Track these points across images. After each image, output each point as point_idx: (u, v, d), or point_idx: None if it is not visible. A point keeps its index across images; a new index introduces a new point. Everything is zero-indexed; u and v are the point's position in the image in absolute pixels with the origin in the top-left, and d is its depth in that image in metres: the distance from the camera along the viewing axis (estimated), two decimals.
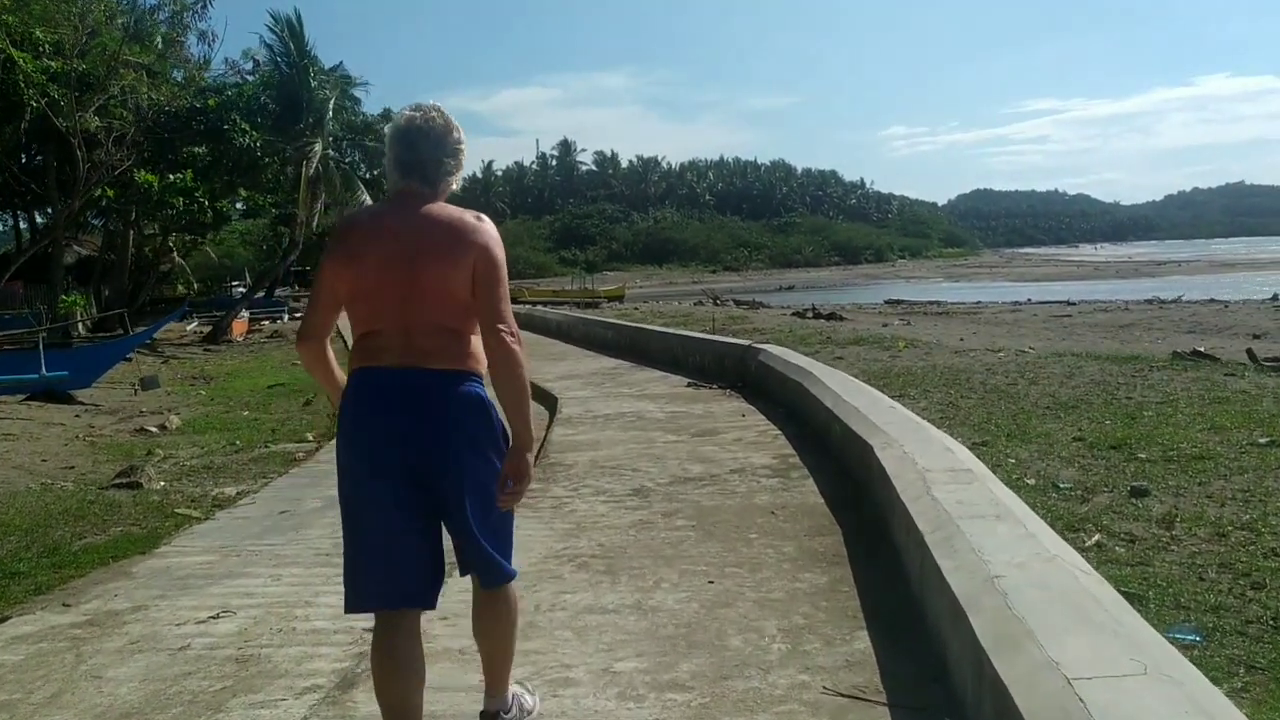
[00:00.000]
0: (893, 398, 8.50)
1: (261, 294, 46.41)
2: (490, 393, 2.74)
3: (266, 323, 37.99)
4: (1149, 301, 33.68)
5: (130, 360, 21.15)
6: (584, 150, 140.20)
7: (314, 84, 33.48)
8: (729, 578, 4.32)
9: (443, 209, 2.74)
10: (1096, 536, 4.78)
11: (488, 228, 2.73)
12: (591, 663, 3.49)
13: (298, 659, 3.85)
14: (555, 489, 6.25)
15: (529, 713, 3.02)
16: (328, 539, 5.75)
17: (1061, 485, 5.79)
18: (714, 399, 9.98)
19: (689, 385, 10.97)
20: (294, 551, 5.58)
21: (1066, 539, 3.95)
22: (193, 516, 6.73)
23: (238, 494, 7.62)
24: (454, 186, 2.85)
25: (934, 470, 4.46)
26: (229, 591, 4.80)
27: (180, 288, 50.96)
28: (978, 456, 5.51)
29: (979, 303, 38.11)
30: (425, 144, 2.77)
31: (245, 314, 34.28)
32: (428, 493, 2.67)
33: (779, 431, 7.85)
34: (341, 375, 2.89)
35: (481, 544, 2.70)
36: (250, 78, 33.08)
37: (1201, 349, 14.80)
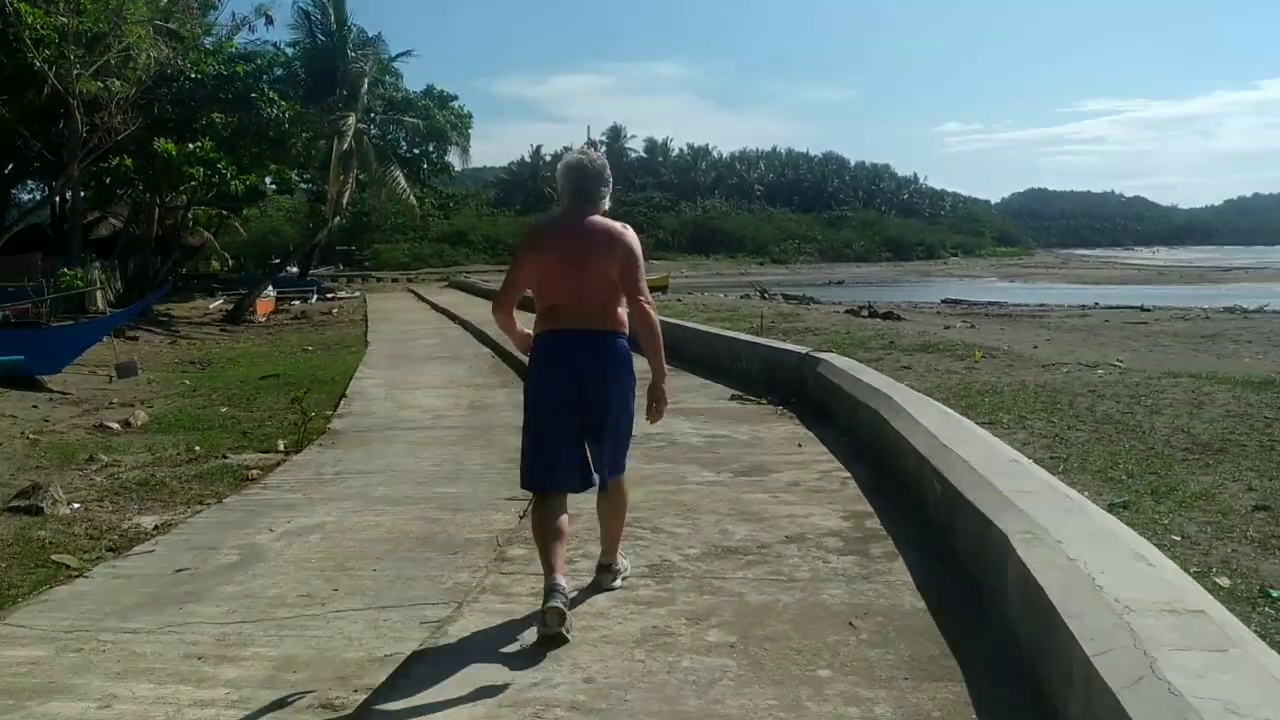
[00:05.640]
0: (980, 424, 6.73)
1: (295, 271, 45.22)
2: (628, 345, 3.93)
3: (297, 303, 36.58)
4: (1229, 310, 31.24)
5: (136, 339, 19.76)
6: (633, 137, 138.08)
7: (351, 55, 31.97)
8: None
9: (602, 221, 3.93)
10: None
11: (631, 234, 3.96)
12: None
13: None
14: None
15: (625, 572, 4.20)
16: (216, 626, 4.08)
17: (1274, 592, 3.97)
18: (762, 419, 8.20)
19: (733, 399, 9.20)
20: (157, 649, 3.91)
21: None
22: (68, 568, 5.10)
23: (155, 527, 6.02)
24: (607, 205, 3.99)
25: (1139, 608, 2.67)
26: None
27: (215, 263, 49.92)
28: (1124, 523, 3.75)
29: (1043, 305, 35.83)
30: (589, 178, 3.95)
31: (272, 293, 32.87)
32: (585, 417, 3.87)
33: (847, 474, 6.06)
34: (526, 330, 4.07)
35: (617, 448, 4.01)
36: (261, 35, 31.45)
37: None
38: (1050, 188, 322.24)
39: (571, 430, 3.87)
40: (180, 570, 4.94)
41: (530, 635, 3.62)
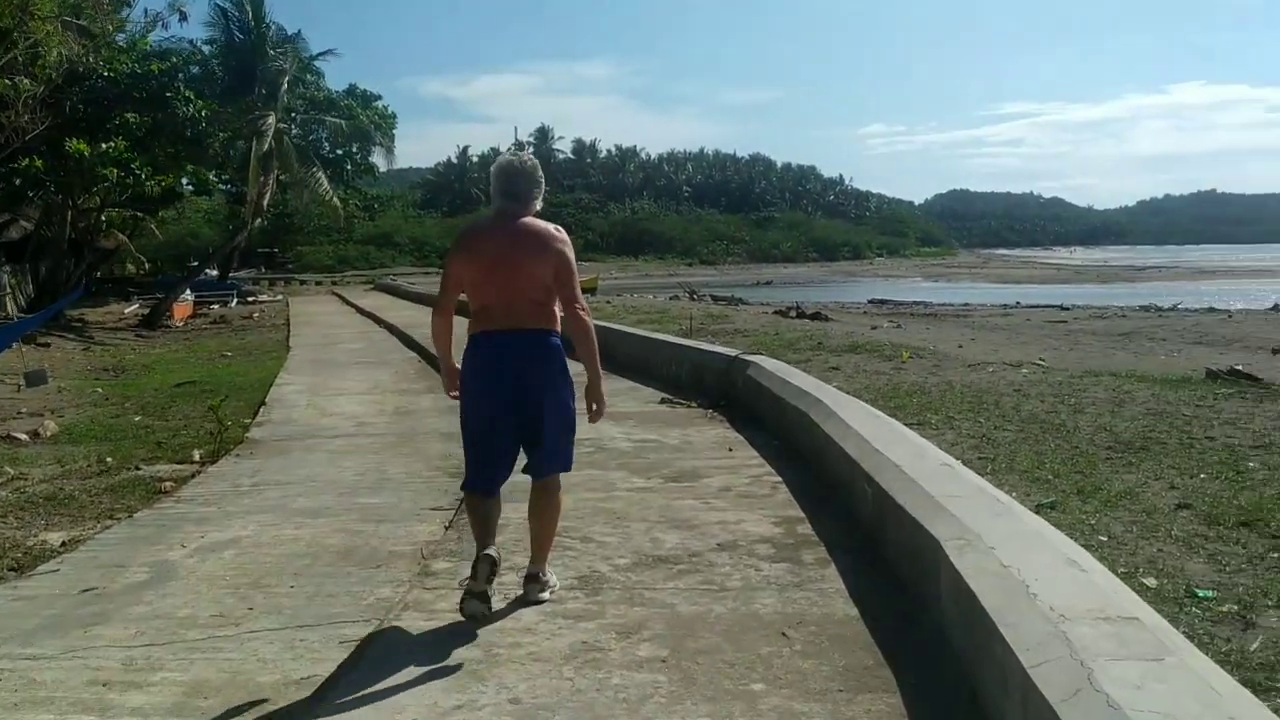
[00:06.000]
0: (908, 424, 6.74)
1: (214, 275, 44.18)
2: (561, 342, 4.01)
3: (216, 307, 35.70)
4: (1145, 308, 32.09)
5: (47, 346, 19.09)
6: (561, 138, 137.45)
7: (270, 53, 31.30)
8: None
9: (534, 222, 4.00)
10: None
11: (564, 237, 4.02)
12: None
13: None
14: (466, 572, 4.39)
15: (553, 586, 4.10)
16: (123, 650, 3.88)
17: (1200, 592, 3.99)
18: (692, 422, 8.14)
19: (663, 402, 9.13)
20: (58, 676, 3.68)
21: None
22: None
23: (62, 544, 5.71)
24: (538, 206, 4.04)
25: (1073, 616, 2.63)
26: None
27: (130, 267, 48.49)
28: (1053, 525, 3.74)
29: (967, 305, 36.43)
30: (520, 179, 4.01)
31: (190, 297, 32.00)
32: (520, 416, 3.93)
33: (778, 478, 6.01)
34: (456, 365, 4.19)
35: (554, 444, 4.02)
36: (176, 32, 30.59)
37: (1239, 367, 13.19)
38: (971, 189, 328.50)
39: (507, 430, 3.96)
40: (87, 590, 4.69)
41: (457, 654, 3.49)
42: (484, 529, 3.97)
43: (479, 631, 3.70)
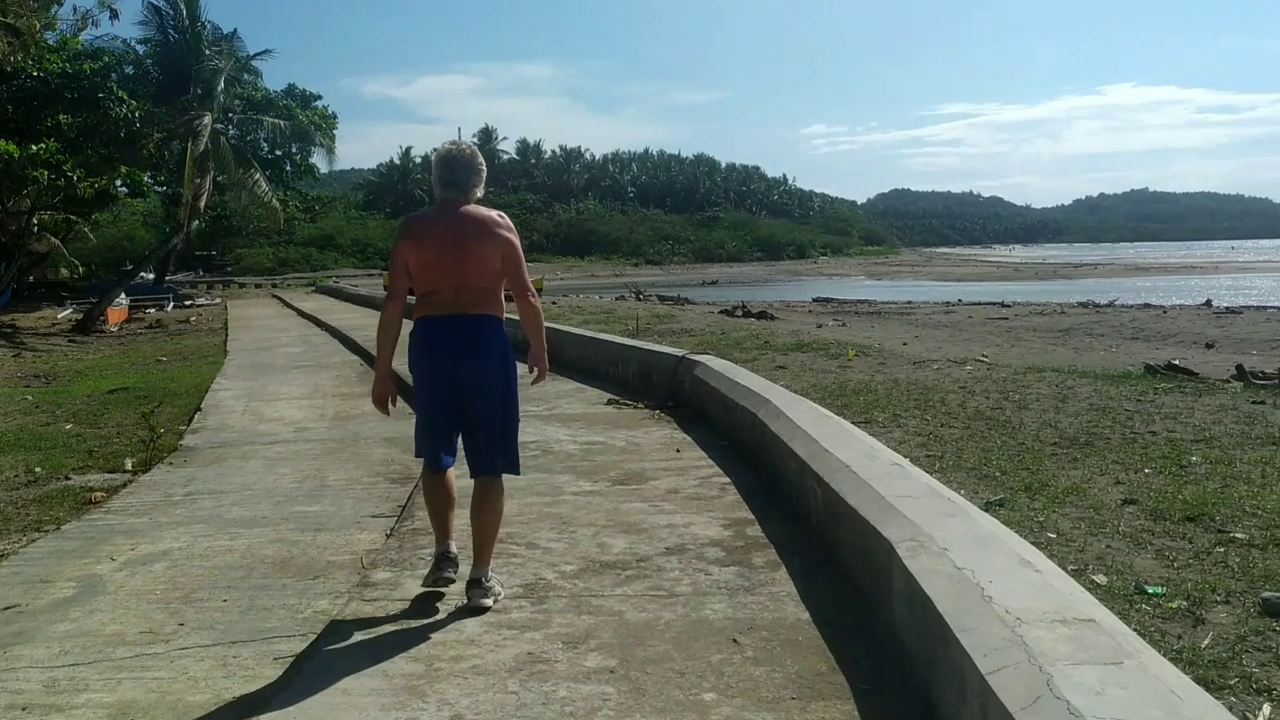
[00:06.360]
0: (856, 422, 6.72)
1: (150, 278, 43.26)
2: (507, 330, 4.09)
3: (152, 311, 34.90)
4: (1083, 305, 32.58)
5: None
6: (505, 139, 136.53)
7: (206, 52, 30.66)
8: None
9: (476, 209, 4.03)
10: (1267, 709, 2.96)
11: (508, 224, 4.04)
12: None
13: None
14: (408, 582, 4.26)
15: (498, 594, 3.97)
16: (45, 670, 3.70)
17: (1150, 589, 3.98)
18: (640, 423, 8.04)
19: (610, 403, 9.02)
20: None
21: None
22: None
23: None
24: (480, 194, 4.10)
25: (1030, 619, 2.57)
26: None
27: (64, 271, 47.25)
28: (1003, 523, 3.70)
29: (910, 302, 36.71)
30: (459, 167, 4.05)
31: (125, 301, 31.22)
32: (459, 400, 3.98)
33: (727, 479, 5.93)
34: (395, 370, 4.20)
35: (495, 435, 4.03)
36: (107, 30, 29.91)
37: (1176, 362, 13.39)
38: (912, 188, 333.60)
39: (450, 415, 4.03)
40: (8, 608, 4.47)
41: (397, 669, 3.36)
42: (440, 520, 4.08)
43: (420, 645, 3.57)
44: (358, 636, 3.69)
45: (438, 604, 3.98)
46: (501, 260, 3.98)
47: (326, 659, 3.49)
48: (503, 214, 4.07)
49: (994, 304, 33.85)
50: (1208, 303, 32.14)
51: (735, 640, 3.51)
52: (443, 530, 4.07)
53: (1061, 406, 8.35)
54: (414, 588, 4.17)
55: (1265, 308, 29.92)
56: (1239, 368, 11.86)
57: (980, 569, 2.97)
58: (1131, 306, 31.31)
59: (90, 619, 4.35)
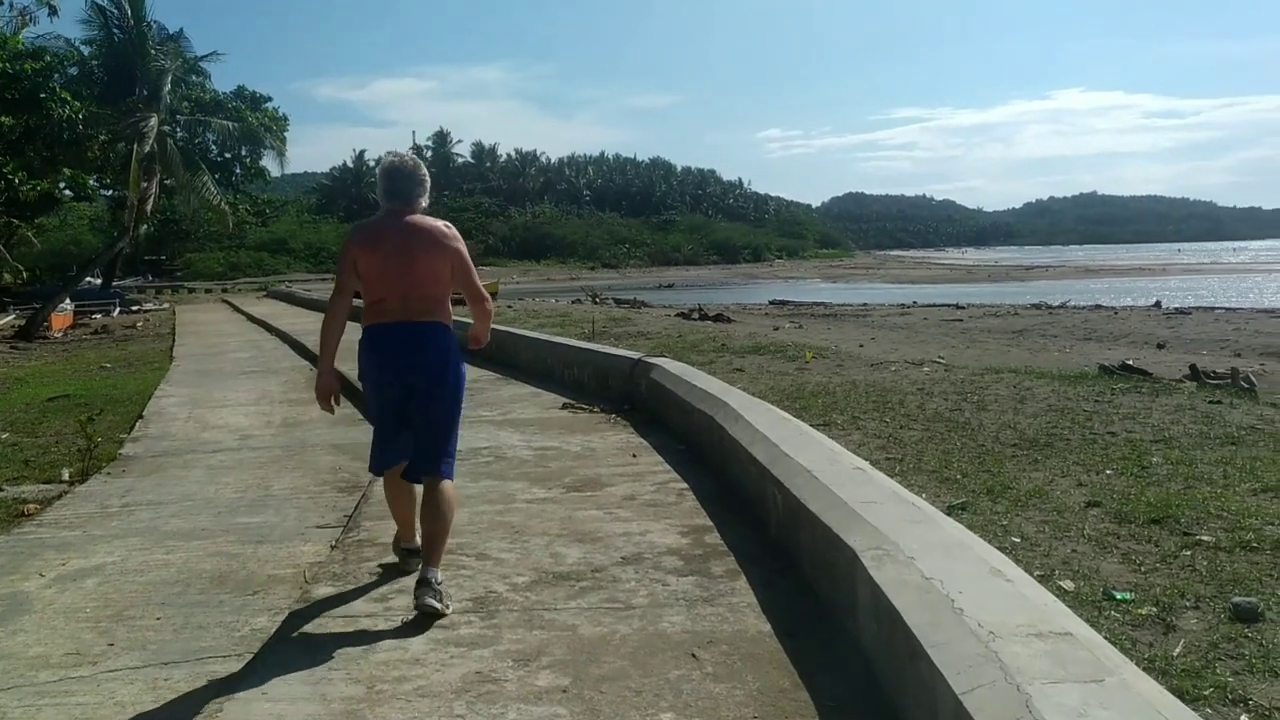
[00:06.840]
0: (814, 425, 6.60)
1: (97, 283, 42.41)
2: (455, 336, 4.15)
3: (98, 316, 34.15)
4: (1036, 306, 32.91)
5: None
6: (460, 142, 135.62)
7: (152, 53, 30.05)
8: None
9: (423, 219, 4.09)
10: None
11: (454, 233, 4.13)
12: None
13: None
14: (351, 598, 4.06)
15: (449, 595, 3.90)
16: None
17: (1118, 594, 3.87)
18: (595, 428, 7.87)
19: (564, 408, 8.84)
20: None
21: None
22: None
23: None
24: (424, 204, 4.13)
25: (1004, 633, 2.44)
26: None
27: (7, 276, 46.17)
28: (967, 528, 3.59)
29: (866, 305, 36.85)
30: (401, 179, 4.10)
31: (70, 306, 30.51)
32: (411, 402, 4.05)
33: (684, 485, 5.78)
34: (337, 370, 4.23)
35: (441, 438, 4.08)
36: (46, 28, 29.36)
37: (1130, 362, 13.47)
38: (867, 191, 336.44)
39: (400, 415, 4.11)
40: None
41: (336, 692, 3.17)
42: (403, 518, 4.29)
43: (361, 665, 3.37)
44: (297, 657, 3.48)
45: (381, 619, 3.79)
46: (451, 270, 4.07)
47: (262, 681, 3.29)
48: (449, 224, 4.16)
49: (949, 306, 34.11)
50: (1157, 304, 32.60)
51: (694, 655, 3.36)
52: (410, 528, 4.27)
53: (1020, 407, 8.30)
54: (358, 604, 3.98)
55: (1213, 308, 30.45)
56: (1193, 368, 11.94)
57: (949, 579, 2.84)
58: (1083, 308, 31.67)
59: (12, 640, 4.12)
